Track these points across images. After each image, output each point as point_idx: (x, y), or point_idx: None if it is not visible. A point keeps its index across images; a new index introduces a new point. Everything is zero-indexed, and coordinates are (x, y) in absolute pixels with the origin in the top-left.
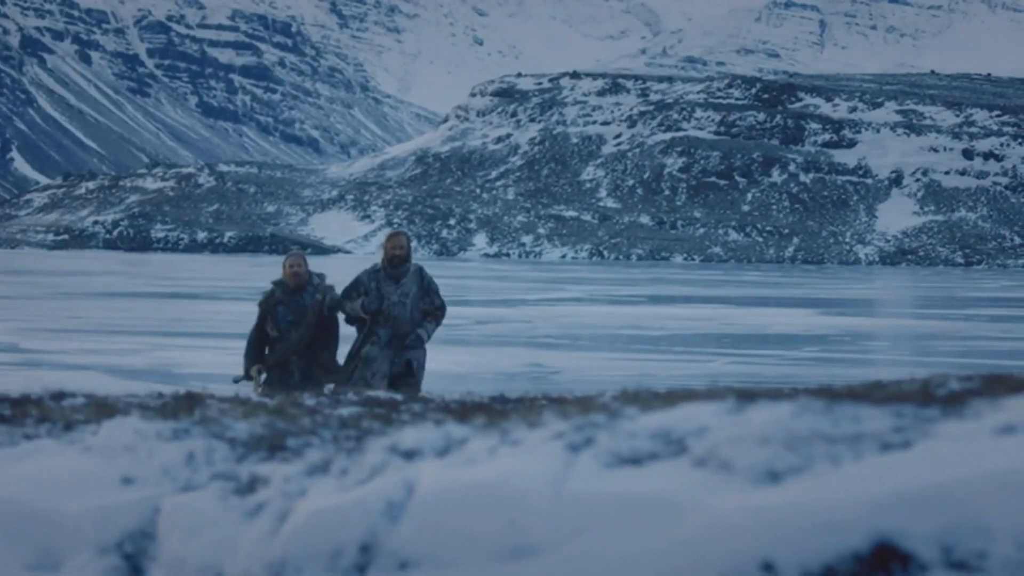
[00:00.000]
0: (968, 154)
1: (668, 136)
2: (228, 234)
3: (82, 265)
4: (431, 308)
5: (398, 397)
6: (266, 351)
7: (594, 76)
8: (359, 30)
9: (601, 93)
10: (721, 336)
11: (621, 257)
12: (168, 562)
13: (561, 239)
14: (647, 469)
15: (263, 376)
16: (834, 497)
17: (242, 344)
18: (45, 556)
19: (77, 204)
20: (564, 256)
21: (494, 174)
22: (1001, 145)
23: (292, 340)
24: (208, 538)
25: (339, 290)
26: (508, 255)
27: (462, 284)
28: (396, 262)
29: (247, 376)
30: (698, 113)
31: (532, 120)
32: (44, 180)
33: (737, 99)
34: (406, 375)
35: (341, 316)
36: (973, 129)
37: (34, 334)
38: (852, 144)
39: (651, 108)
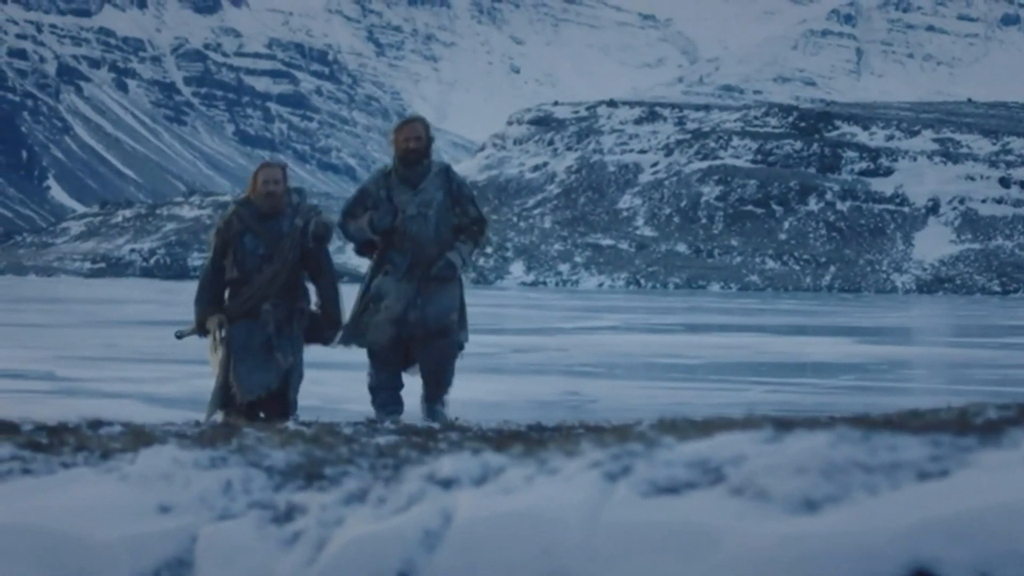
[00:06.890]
0: (1005, 182)
1: (705, 164)
2: None
3: (119, 293)
4: (465, 222)
5: (435, 426)
6: (226, 297)
7: (631, 104)
8: (396, 58)
9: (638, 121)
10: (758, 364)
11: (658, 285)
12: None
13: (598, 267)
14: (684, 498)
15: (223, 331)
16: (871, 526)
17: None
18: None
19: (114, 232)
20: (601, 284)
21: (531, 202)
22: None
23: (262, 281)
24: (245, 567)
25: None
26: (545, 283)
27: (499, 312)
28: (411, 158)
29: (199, 329)
30: (735, 141)
31: (569, 148)
32: (81, 208)
33: (774, 127)
34: (436, 335)
35: (350, 247)
36: (1010, 157)
37: (71, 362)
38: (889, 172)
39: (688, 136)
